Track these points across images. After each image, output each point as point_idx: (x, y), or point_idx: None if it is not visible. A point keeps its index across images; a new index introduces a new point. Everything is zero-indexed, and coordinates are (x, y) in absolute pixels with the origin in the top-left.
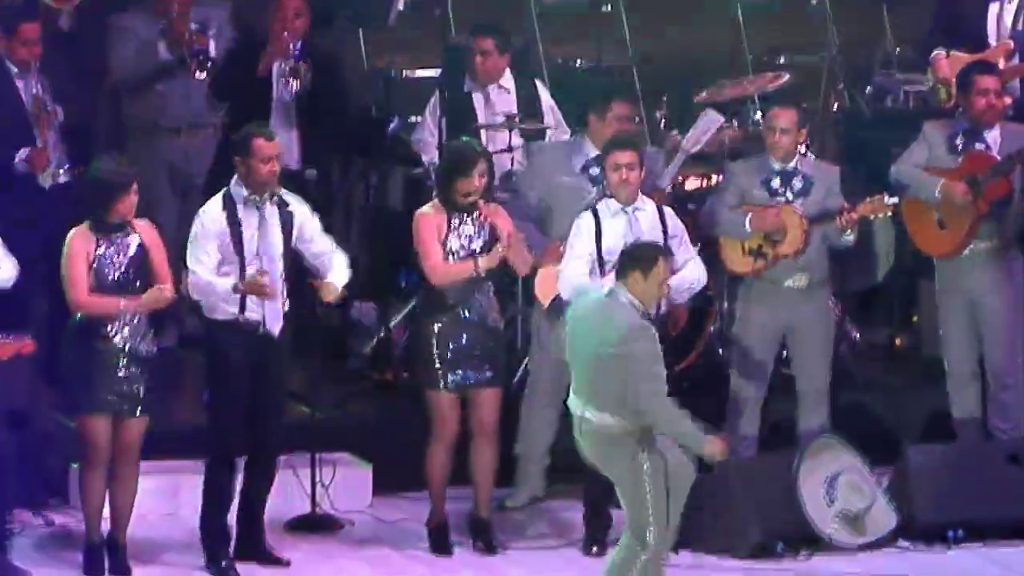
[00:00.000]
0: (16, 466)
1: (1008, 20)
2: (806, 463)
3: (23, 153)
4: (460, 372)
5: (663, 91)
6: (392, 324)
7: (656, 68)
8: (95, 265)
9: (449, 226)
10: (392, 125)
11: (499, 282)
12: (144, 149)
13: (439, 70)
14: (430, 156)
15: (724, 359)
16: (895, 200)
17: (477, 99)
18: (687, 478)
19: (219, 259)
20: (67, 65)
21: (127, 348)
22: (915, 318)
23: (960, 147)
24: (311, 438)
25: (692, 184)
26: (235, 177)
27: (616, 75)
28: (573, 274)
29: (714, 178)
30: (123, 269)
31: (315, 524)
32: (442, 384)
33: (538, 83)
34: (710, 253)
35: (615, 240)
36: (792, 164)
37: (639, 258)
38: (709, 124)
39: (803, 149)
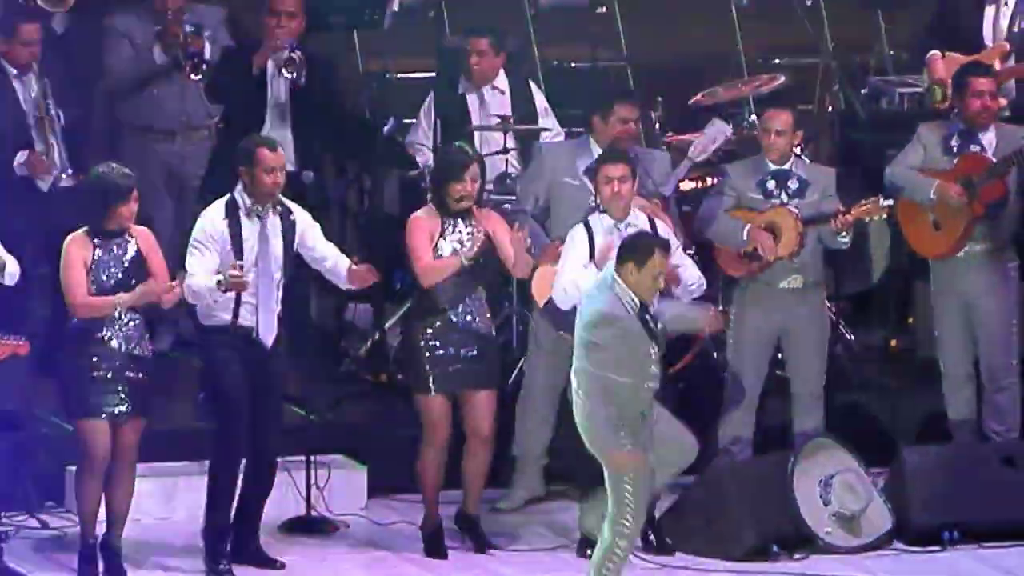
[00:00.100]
0: (11, 469)
1: (1004, 23)
2: (801, 464)
3: (22, 156)
4: (449, 376)
5: (658, 93)
6: (387, 326)
7: (651, 70)
8: (93, 271)
9: (442, 230)
10: (387, 127)
11: (495, 283)
12: (139, 151)
13: (433, 72)
14: (424, 158)
15: (719, 361)
16: (890, 202)
17: (471, 101)
18: (671, 465)
19: (218, 265)
20: (61, 68)
21: (123, 351)
22: (910, 320)
23: (955, 149)
24: (306, 440)
25: (687, 186)
26: (239, 185)
27: (612, 76)
28: (568, 284)
29: (709, 180)
30: (120, 275)
31: (310, 526)
32: (431, 388)
33: (532, 84)
34: (705, 255)
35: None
36: (787, 166)
37: (635, 249)
38: (716, 134)
39: (798, 151)
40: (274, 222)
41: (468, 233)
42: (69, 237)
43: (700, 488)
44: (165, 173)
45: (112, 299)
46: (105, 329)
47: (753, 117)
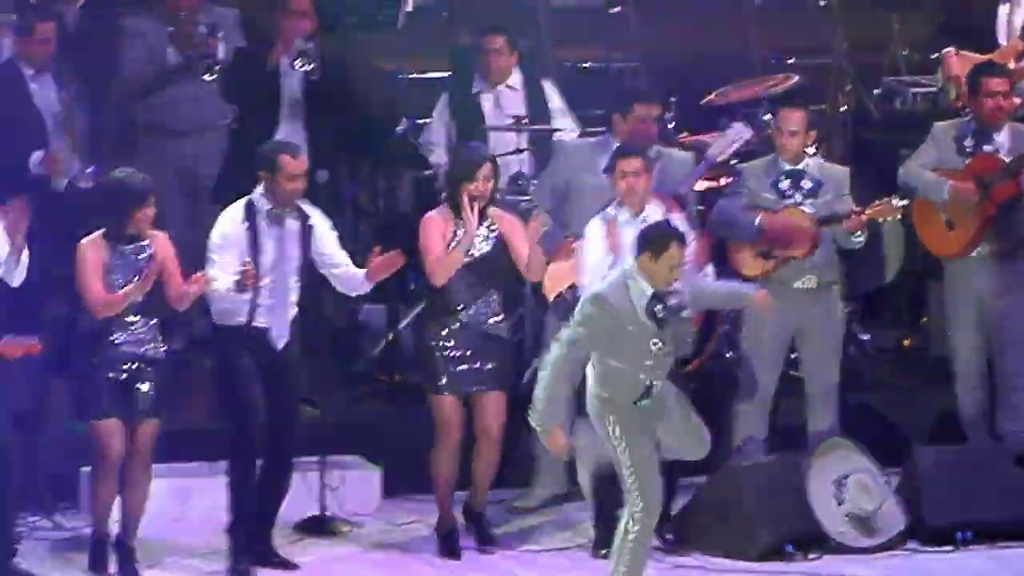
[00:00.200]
0: (25, 469)
1: (1018, 22)
2: (815, 464)
3: (38, 156)
4: (461, 376)
5: (671, 93)
6: (401, 327)
7: (664, 70)
8: (107, 274)
9: (456, 230)
10: (400, 127)
11: (509, 285)
12: (153, 152)
13: (447, 72)
14: (438, 158)
15: (733, 361)
16: (904, 202)
17: (486, 100)
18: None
19: (237, 268)
20: (74, 67)
21: (137, 352)
22: (924, 320)
23: (969, 149)
24: (320, 441)
25: (701, 185)
26: (259, 188)
27: (627, 76)
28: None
29: (723, 180)
30: (135, 279)
31: (324, 527)
32: (443, 388)
33: (546, 84)
34: (719, 255)
35: (625, 246)
36: (801, 165)
37: (651, 240)
38: (736, 135)
39: (812, 150)
40: (292, 226)
41: (483, 234)
42: (85, 239)
43: (714, 488)
44: (179, 173)
45: (123, 292)
46: (118, 330)
47: (768, 117)
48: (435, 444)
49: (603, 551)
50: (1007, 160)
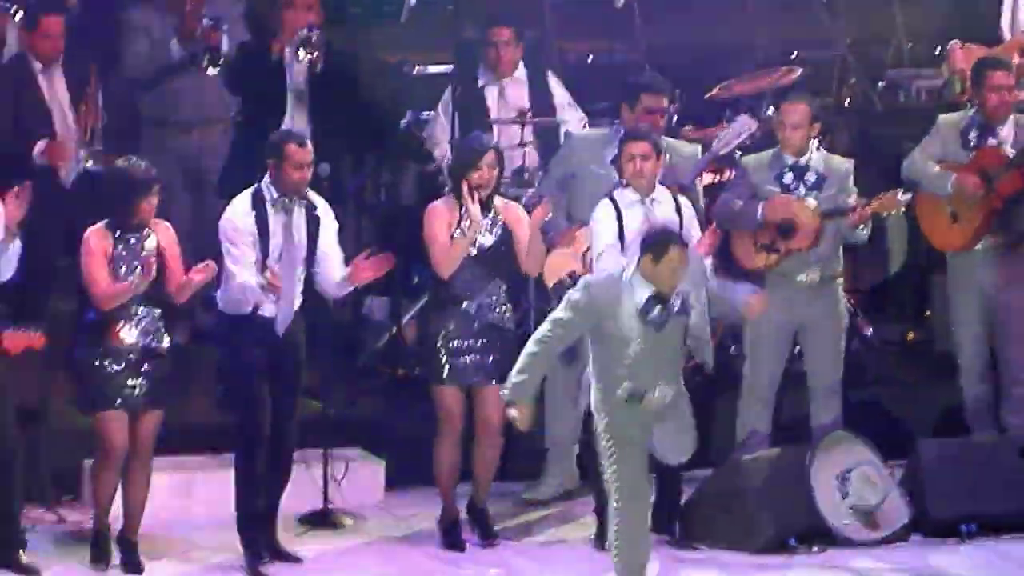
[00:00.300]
0: (27, 462)
1: (1023, 16)
2: (819, 457)
3: (41, 146)
4: (463, 367)
5: (675, 86)
6: (404, 320)
7: (668, 63)
8: (111, 263)
9: (460, 220)
10: (404, 120)
11: (514, 276)
12: (156, 145)
13: (451, 65)
14: (442, 151)
15: (736, 354)
16: (908, 196)
17: (490, 93)
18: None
19: (253, 259)
20: (77, 60)
21: (140, 344)
22: (928, 313)
23: (973, 142)
24: (323, 433)
25: (706, 179)
26: (266, 177)
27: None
28: (610, 264)
29: (726, 173)
30: (138, 268)
31: (327, 519)
32: (445, 378)
33: (550, 77)
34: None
35: (634, 228)
36: (805, 159)
37: (652, 243)
38: (741, 128)
39: (815, 144)
40: (299, 215)
41: (487, 223)
42: (89, 229)
43: (718, 481)
44: (183, 166)
45: (129, 282)
46: (121, 322)
47: (772, 110)
48: (438, 435)
49: (606, 543)
50: (1011, 153)
